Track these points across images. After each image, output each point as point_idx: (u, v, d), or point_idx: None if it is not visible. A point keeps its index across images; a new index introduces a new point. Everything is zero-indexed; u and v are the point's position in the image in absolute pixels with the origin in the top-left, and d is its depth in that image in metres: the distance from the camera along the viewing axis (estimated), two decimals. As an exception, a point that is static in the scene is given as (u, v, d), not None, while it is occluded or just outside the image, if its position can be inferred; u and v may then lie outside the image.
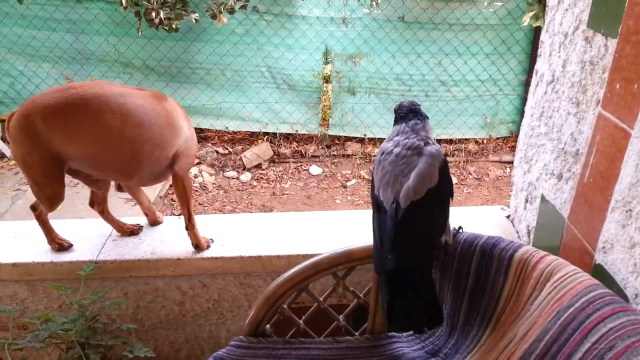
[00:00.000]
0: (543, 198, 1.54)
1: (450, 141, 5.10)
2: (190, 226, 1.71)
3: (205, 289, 1.80)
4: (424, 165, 1.17)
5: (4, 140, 4.39)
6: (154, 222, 1.89)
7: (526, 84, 4.91)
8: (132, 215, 1.93)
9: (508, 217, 1.90)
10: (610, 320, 0.95)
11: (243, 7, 3.94)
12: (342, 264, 1.41)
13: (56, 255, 1.72)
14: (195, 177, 4.62)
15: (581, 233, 1.29)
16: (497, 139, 5.20)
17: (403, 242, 1.15)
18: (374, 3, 4.63)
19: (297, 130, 5.07)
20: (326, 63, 4.87)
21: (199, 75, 4.89)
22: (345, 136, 5.15)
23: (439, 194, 1.18)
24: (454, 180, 4.68)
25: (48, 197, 1.59)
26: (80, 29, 4.67)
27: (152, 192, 3.98)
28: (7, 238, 1.81)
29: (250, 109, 5.00)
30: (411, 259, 1.17)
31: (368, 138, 5.10)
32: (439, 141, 4.67)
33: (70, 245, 1.75)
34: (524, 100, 4.90)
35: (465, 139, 5.14)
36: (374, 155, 4.82)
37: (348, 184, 4.72)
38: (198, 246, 1.73)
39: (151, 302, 1.81)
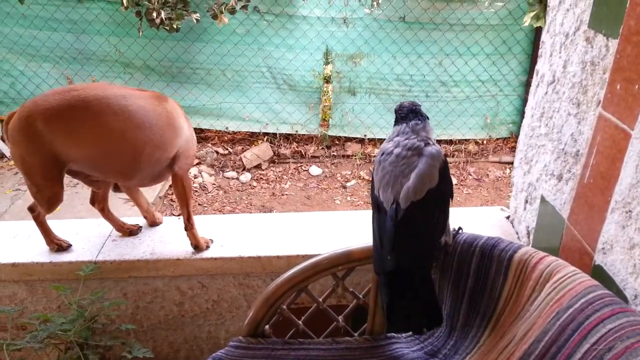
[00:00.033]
0: (543, 199, 1.54)
1: (450, 142, 5.10)
2: (189, 226, 1.71)
3: (204, 290, 1.80)
4: (424, 166, 1.17)
5: (4, 140, 4.38)
6: (153, 224, 1.89)
7: (527, 85, 4.90)
8: (132, 216, 1.93)
9: (508, 217, 1.90)
10: (610, 321, 0.95)
11: (244, 7, 3.94)
12: (341, 264, 1.41)
13: (55, 255, 1.72)
14: (195, 178, 4.62)
15: (581, 234, 1.29)
16: (497, 139, 5.20)
17: (403, 243, 1.15)
18: (374, 3, 4.63)
19: (297, 131, 5.07)
20: (327, 63, 4.87)
21: (200, 75, 4.89)
22: (345, 137, 5.15)
23: (439, 195, 1.18)
24: (454, 180, 4.67)
25: (47, 199, 1.58)
26: (81, 29, 4.67)
27: (152, 192, 3.98)
28: (7, 238, 1.81)
29: (250, 109, 5.00)
30: (411, 260, 1.16)
31: (368, 138, 5.10)
32: (439, 142, 4.67)
33: (69, 246, 1.75)
34: (524, 101, 4.90)
35: (465, 140, 5.13)
36: (374, 156, 4.81)
37: (348, 184, 4.72)
38: (197, 246, 1.73)
39: (150, 303, 1.81)
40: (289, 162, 4.98)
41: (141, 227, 1.87)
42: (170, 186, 4.11)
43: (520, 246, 1.24)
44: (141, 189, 1.85)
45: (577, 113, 1.33)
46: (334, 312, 1.46)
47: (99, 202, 1.77)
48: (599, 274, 1.19)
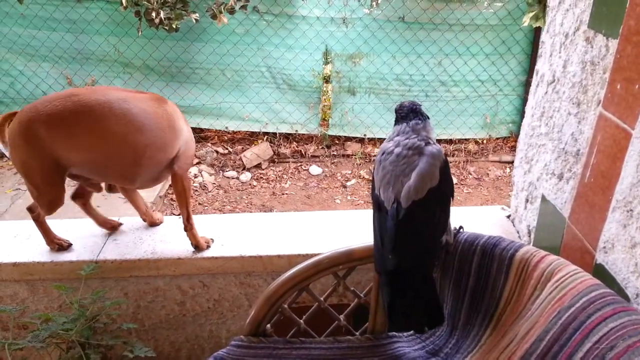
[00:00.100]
0: (544, 198, 1.54)
1: (450, 141, 5.11)
2: (188, 226, 1.71)
3: (205, 289, 1.80)
4: (424, 165, 1.17)
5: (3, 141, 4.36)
6: (152, 224, 1.88)
7: (526, 85, 4.91)
8: (132, 215, 1.93)
9: (508, 217, 1.90)
10: (612, 320, 0.95)
11: (243, 7, 3.94)
12: (342, 263, 1.41)
13: (56, 255, 1.72)
14: (195, 177, 4.62)
15: (582, 233, 1.29)
16: (497, 139, 5.21)
17: (404, 242, 1.15)
18: (374, 3, 4.63)
19: (297, 130, 5.07)
20: (326, 63, 4.87)
21: (199, 75, 4.89)
22: (345, 136, 5.15)
23: (440, 194, 1.18)
24: (454, 180, 4.68)
25: (48, 201, 1.58)
26: (80, 28, 4.67)
27: (152, 192, 3.98)
28: (7, 238, 1.81)
29: (250, 108, 5.00)
30: (412, 259, 1.17)
31: (368, 138, 5.10)
32: (439, 141, 4.65)
33: (70, 245, 1.75)
34: (523, 101, 4.91)
35: (465, 139, 5.14)
36: (374, 155, 4.83)
37: (348, 184, 4.72)
38: (197, 246, 1.73)
39: (151, 302, 1.81)
40: (289, 162, 4.98)
41: (122, 223, 1.87)
42: (170, 185, 4.11)
43: (522, 245, 1.24)
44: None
45: (577, 112, 1.33)
46: (335, 311, 1.46)
47: (83, 198, 1.77)
48: (600, 273, 1.19)
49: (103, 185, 1.77)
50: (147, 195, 3.83)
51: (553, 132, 1.48)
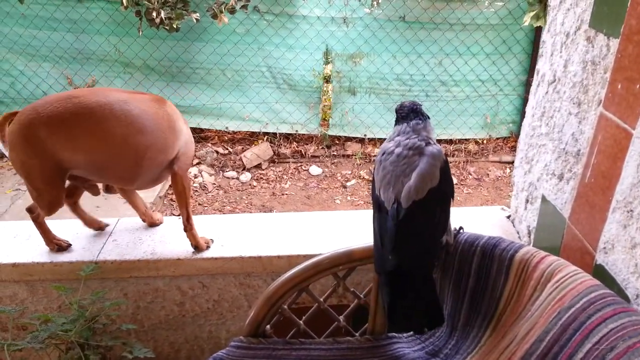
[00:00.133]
0: (544, 198, 1.54)
1: (450, 141, 5.10)
2: (188, 227, 1.71)
3: (205, 290, 1.80)
4: (425, 165, 1.17)
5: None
6: (152, 224, 1.88)
7: (526, 84, 4.90)
8: (132, 216, 1.93)
9: (508, 217, 1.90)
10: (612, 321, 0.95)
11: (244, 6, 3.94)
12: (342, 264, 1.41)
13: (56, 255, 1.72)
14: (195, 177, 4.62)
15: (582, 233, 1.29)
16: (497, 139, 5.20)
17: (404, 243, 1.15)
18: (374, 3, 4.63)
19: (297, 131, 5.07)
20: (327, 63, 4.87)
21: (200, 75, 4.89)
22: (345, 136, 5.15)
23: (440, 194, 1.18)
24: (454, 180, 4.67)
25: (48, 203, 1.58)
26: (81, 28, 4.67)
27: (152, 192, 3.98)
28: (7, 238, 1.81)
29: (250, 109, 5.00)
30: (412, 260, 1.16)
31: (368, 138, 5.10)
32: (439, 141, 4.65)
33: (69, 245, 1.75)
34: (524, 101, 4.90)
35: (465, 139, 5.14)
36: (374, 156, 4.82)
37: (348, 184, 4.72)
38: (197, 247, 1.73)
39: (151, 303, 1.81)
40: (289, 162, 4.98)
41: (108, 224, 1.87)
42: (170, 186, 4.11)
43: (522, 246, 1.24)
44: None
45: (578, 112, 1.33)
46: (335, 312, 1.46)
47: (72, 198, 1.76)
48: (601, 274, 1.19)
49: (100, 186, 1.77)
50: (147, 195, 3.83)
51: (553, 132, 1.48)
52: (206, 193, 4.50)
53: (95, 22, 4.64)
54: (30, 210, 1.67)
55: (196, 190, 4.49)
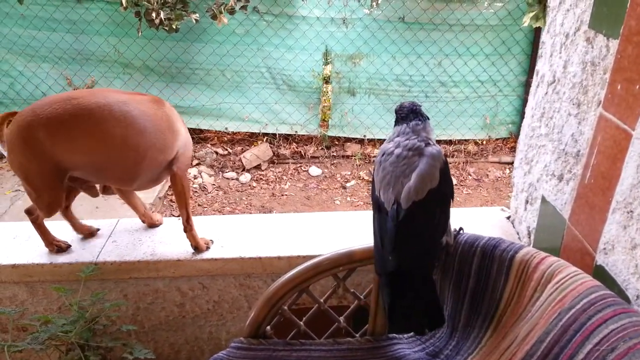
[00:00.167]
0: (544, 199, 1.54)
1: (449, 142, 5.10)
2: (188, 228, 1.70)
3: (205, 290, 1.80)
4: (425, 166, 1.17)
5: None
6: (152, 225, 1.88)
7: (526, 85, 4.91)
8: (131, 216, 1.93)
9: (508, 218, 1.90)
10: (612, 322, 0.95)
11: (243, 7, 3.94)
12: (342, 265, 1.41)
13: (55, 256, 1.72)
14: (194, 178, 4.62)
15: (582, 234, 1.29)
16: (497, 139, 5.20)
17: (404, 243, 1.15)
18: (374, 4, 4.63)
19: (296, 131, 5.07)
20: (326, 64, 4.87)
21: (199, 75, 4.89)
22: (344, 137, 5.15)
23: (440, 195, 1.18)
24: (454, 181, 4.67)
25: (47, 204, 1.58)
26: (80, 29, 4.67)
27: (152, 193, 3.98)
28: (6, 239, 1.81)
29: (249, 109, 5.00)
30: (412, 260, 1.16)
31: (368, 139, 5.10)
32: (439, 142, 4.64)
33: (69, 246, 1.75)
34: (523, 101, 4.90)
35: (465, 140, 5.14)
36: (374, 156, 4.82)
37: (347, 185, 4.72)
38: (197, 248, 1.73)
39: (151, 304, 1.81)
40: (289, 163, 4.98)
41: (99, 229, 1.85)
42: (169, 187, 4.11)
43: (522, 247, 1.24)
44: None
45: (577, 113, 1.33)
46: (335, 312, 1.46)
47: (65, 202, 1.74)
48: (601, 275, 1.19)
49: (98, 187, 1.77)
50: (147, 196, 3.83)
51: (553, 132, 1.48)
52: (206, 194, 4.50)
53: (95, 22, 4.64)
54: (29, 212, 1.67)
55: (196, 191, 4.49)
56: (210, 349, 1.91)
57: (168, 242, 1.79)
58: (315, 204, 4.43)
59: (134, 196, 1.83)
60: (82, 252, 1.74)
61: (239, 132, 5.15)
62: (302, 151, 5.03)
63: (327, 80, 4.93)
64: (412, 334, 1.43)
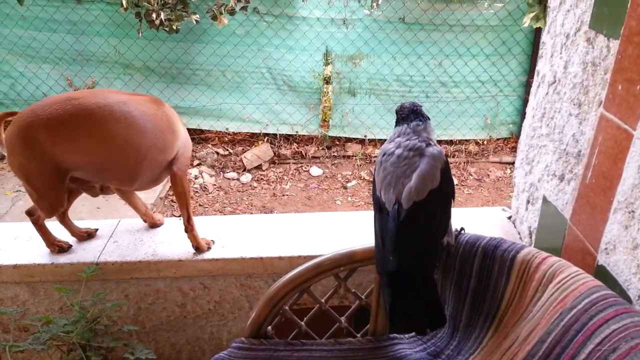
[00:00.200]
0: (545, 199, 1.54)
1: (450, 142, 5.11)
2: (189, 228, 1.71)
3: (206, 291, 1.80)
4: (425, 166, 1.17)
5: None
6: (153, 225, 1.88)
7: (526, 85, 4.91)
8: (133, 217, 1.93)
9: (509, 218, 1.90)
10: (614, 322, 0.95)
11: (244, 8, 3.94)
12: (344, 265, 1.41)
13: (57, 257, 1.72)
14: (195, 179, 4.62)
15: (583, 234, 1.29)
16: (498, 139, 5.20)
17: (405, 244, 1.15)
18: (374, 4, 4.63)
19: (297, 132, 5.07)
20: (326, 64, 4.87)
21: (200, 76, 4.89)
22: (345, 137, 5.15)
23: (440, 195, 1.18)
24: (455, 181, 4.67)
25: (49, 205, 1.58)
26: (81, 30, 4.67)
27: (153, 193, 3.98)
28: (8, 239, 1.81)
29: (250, 110, 5.00)
30: (413, 260, 1.16)
31: (368, 139, 5.10)
32: (440, 142, 4.64)
33: (70, 246, 1.75)
34: (524, 102, 4.90)
35: (466, 140, 5.14)
36: (375, 157, 4.82)
37: (348, 185, 4.72)
38: (198, 248, 1.73)
39: (152, 304, 1.81)
40: (290, 163, 4.98)
41: (97, 229, 1.85)
42: (170, 187, 4.11)
43: (523, 247, 1.24)
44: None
45: (578, 113, 1.33)
46: (337, 313, 1.46)
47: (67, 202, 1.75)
48: (602, 275, 1.19)
49: (97, 187, 1.77)
50: (148, 196, 3.83)
51: (554, 133, 1.48)
52: (207, 194, 4.50)
53: (95, 23, 4.64)
54: (29, 213, 1.67)
55: (197, 192, 4.49)
56: (211, 349, 1.91)
57: (169, 242, 1.79)
58: (316, 204, 4.43)
59: (134, 196, 1.83)
60: (83, 253, 1.74)
61: (239, 133, 5.16)
62: (303, 151, 5.03)
63: (327, 81, 4.93)
64: (413, 334, 1.43)
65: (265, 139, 5.10)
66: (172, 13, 3.75)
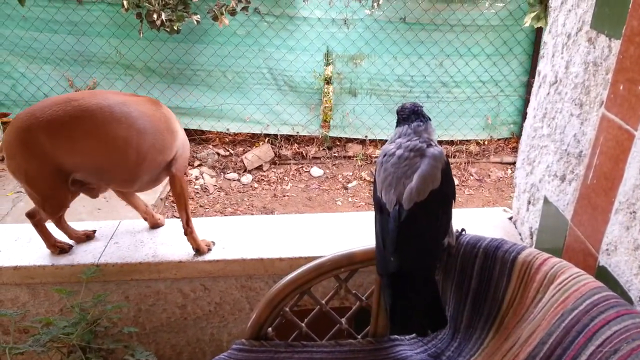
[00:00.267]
0: (546, 200, 1.53)
1: (451, 142, 5.10)
2: (188, 230, 1.70)
3: (206, 292, 1.80)
4: (426, 167, 1.17)
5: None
6: (154, 225, 1.88)
7: (527, 85, 4.90)
8: (133, 218, 1.93)
9: (510, 218, 1.89)
10: (615, 323, 0.94)
11: (244, 8, 3.95)
12: (344, 266, 1.40)
13: (57, 258, 1.71)
14: (196, 179, 4.62)
15: (584, 235, 1.29)
16: (499, 140, 5.20)
17: (406, 244, 1.15)
18: (375, 4, 4.63)
19: (298, 132, 5.07)
20: (327, 64, 4.87)
21: (200, 76, 4.89)
22: (346, 138, 5.15)
23: (441, 196, 1.18)
24: (455, 181, 4.67)
25: (52, 206, 1.58)
26: (82, 31, 4.68)
27: (153, 194, 3.98)
28: (8, 241, 1.81)
29: (251, 110, 5.00)
30: (414, 261, 1.16)
31: (369, 139, 5.10)
32: (440, 142, 4.65)
33: (71, 247, 1.75)
34: (525, 102, 4.90)
35: (467, 140, 5.13)
36: (375, 157, 4.82)
37: (349, 185, 4.72)
38: (198, 250, 1.72)
39: (152, 305, 1.81)
40: (290, 164, 4.98)
41: (95, 230, 1.84)
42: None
43: (524, 247, 1.24)
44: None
45: (579, 114, 1.33)
46: (337, 314, 1.46)
47: None
48: (603, 275, 1.18)
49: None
50: (148, 197, 3.83)
51: (555, 133, 1.47)
52: (207, 195, 4.50)
53: (96, 24, 4.65)
54: (30, 215, 1.66)
55: (197, 192, 4.49)
56: (211, 350, 1.91)
57: (170, 243, 1.79)
58: (316, 205, 4.43)
59: (134, 196, 1.83)
60: (83, 254, 1.74)
61: (240, 133, 5.16)
62: (303, 152, 5.03)
63: (328, 81, 4.93)
64: (414, 335, 1.42)
65: (266, 140, 5.10)
66: (173, 13, 3.76)
